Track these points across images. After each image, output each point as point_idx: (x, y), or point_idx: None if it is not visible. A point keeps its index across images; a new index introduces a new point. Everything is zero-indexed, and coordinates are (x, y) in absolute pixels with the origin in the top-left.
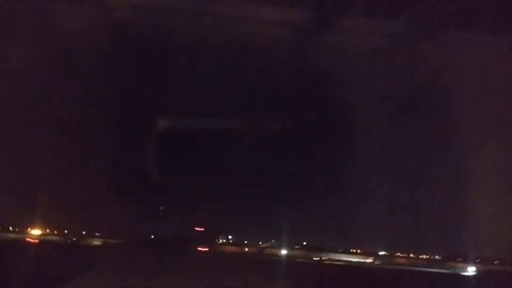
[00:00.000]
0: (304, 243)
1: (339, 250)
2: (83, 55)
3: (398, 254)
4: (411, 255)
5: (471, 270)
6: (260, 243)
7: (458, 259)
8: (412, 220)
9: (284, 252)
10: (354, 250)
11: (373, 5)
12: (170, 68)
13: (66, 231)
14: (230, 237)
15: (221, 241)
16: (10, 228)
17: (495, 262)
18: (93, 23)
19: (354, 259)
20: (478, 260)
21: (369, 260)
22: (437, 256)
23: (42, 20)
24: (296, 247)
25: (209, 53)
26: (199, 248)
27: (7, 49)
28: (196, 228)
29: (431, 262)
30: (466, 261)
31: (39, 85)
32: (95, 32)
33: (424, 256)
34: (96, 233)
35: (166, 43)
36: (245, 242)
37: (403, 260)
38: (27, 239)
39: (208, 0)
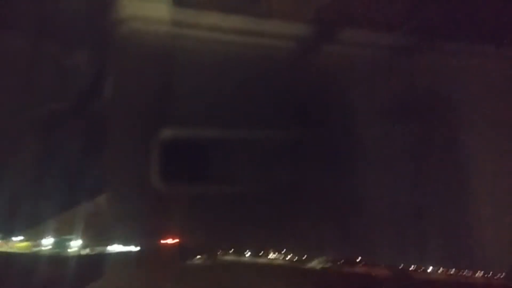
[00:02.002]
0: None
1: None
2: (89, 65)
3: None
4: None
5: None
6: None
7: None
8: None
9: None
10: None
11: (373, 16)
12: (175, 79)
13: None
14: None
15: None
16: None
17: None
18: (100, 34)
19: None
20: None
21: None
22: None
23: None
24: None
25: (212, 64)
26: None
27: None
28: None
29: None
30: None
31: (47, 95)
32: (102, 42)
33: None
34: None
35: (170, 54)
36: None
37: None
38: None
39: (210, 13)
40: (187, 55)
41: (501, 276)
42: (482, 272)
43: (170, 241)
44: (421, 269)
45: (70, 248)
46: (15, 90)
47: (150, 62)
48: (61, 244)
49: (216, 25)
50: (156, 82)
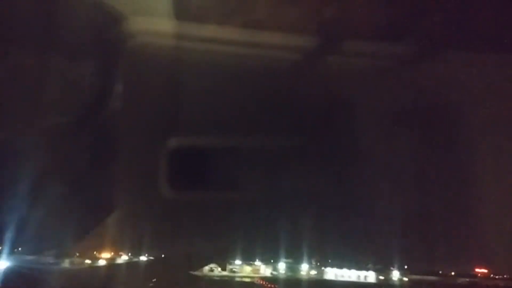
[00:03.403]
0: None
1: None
2: (97, 78)
3: None
4: None
5: None
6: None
7: None
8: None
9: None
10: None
11: (377, 27)
12: (182, 91)
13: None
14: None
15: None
16: None
17: None
18: (107, 48)
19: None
20: None
21: None
22: None
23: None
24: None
25: (218, 75)
26: None
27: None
28: None
29: None
30: None
31: (55, 107)
32: (110, 55)
33: None
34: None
35: (179, 66)
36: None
37: None
38: None
39: (220, 26)
40: (194, 67)
41: None
42: None
43: None
44: None
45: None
46: (25, 102)
47: (159, 74)
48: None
49: (221, 38)
50: (165, 93)
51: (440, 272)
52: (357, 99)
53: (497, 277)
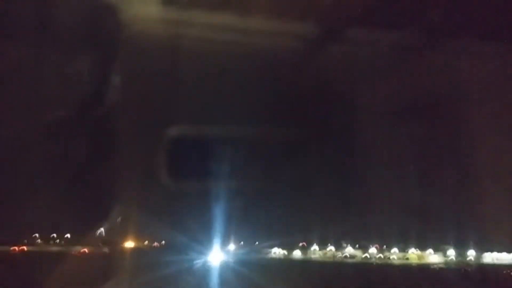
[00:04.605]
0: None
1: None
2: (95, 70)
3: None
4: None
5: None
6: None
7: None
8: None
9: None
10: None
11: (379, 16)
12: (183, 79)
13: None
14: None
15: None
16: None
17: None
18: (110, 35)
19: None
20: None
21: None
22: None
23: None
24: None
25: (219, 64)
26: None
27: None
28: None
29: None
30: None
31: (54, 101)
32: (112, 44)
33: None
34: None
35: (179, 55)
36: None
37: None
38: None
39: (218, 13)
40: (193, 55)
41: None
42: None
43: None
44: None
45: None
46: (22, 96)
47: (157, 64)
48: None
49: (220, 26)
50: (163, 82)
51: None
52: (356, 88)
53: None
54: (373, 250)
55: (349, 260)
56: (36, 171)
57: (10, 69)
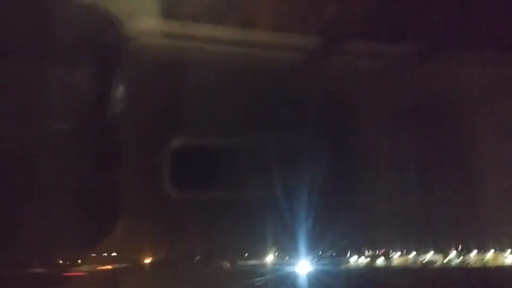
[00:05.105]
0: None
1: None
2: (102, 78)
3: None
4: None
5: None
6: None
7: None
8: None
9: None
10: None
11: (379, 26)
12: (186, 91)
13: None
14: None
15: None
16: None
17: None
18: (112, 48)
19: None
20: None
21: None
22: None
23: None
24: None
25: (220, 75)
26: None
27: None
28: None
29: None
30: None
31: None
32: (115, 57)
33: None
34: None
35: (179, 66)
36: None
37: None
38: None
39: (220, 26)
40: (195, 67)
41: None
42: None
43: None
44: None
45: None
46: (24, 108)
47: (160, 76)
48: None
49: (221, 38)
50: (166, 93)
51: None
52: (358, 99)
53: None
54: (453, 253)
55: (432, 266)
56: (38, 185)
57: (11, 82)
